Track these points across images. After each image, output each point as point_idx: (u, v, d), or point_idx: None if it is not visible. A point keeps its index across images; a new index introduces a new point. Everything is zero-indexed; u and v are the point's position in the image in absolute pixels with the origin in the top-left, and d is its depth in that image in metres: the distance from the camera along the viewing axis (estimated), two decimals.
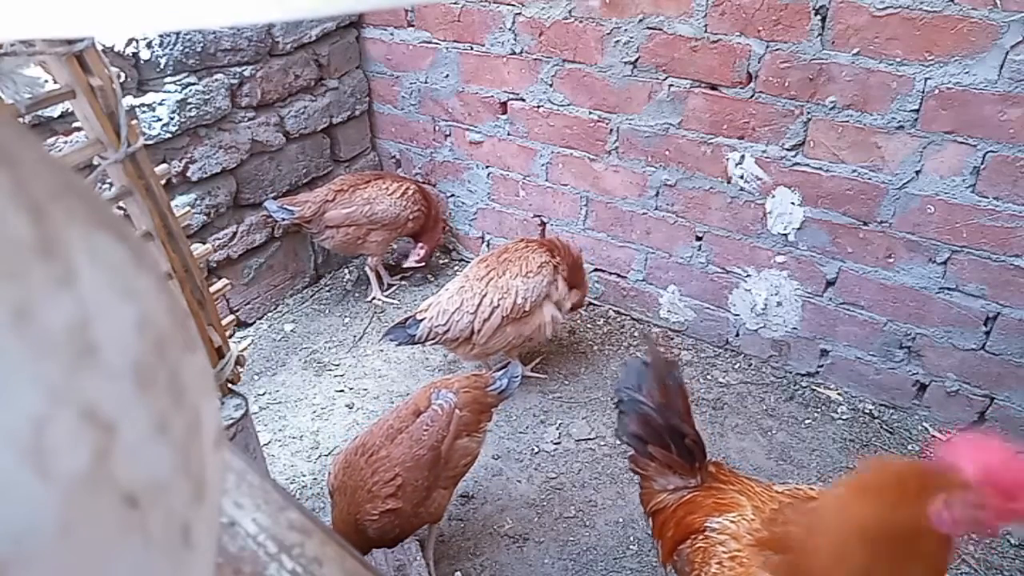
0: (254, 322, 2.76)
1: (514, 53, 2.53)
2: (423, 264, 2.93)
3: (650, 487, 1.56)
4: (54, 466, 0.18)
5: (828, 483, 2.05)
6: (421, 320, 2.20)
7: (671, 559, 1.50)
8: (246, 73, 2.46)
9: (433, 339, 2.21)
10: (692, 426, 1.52)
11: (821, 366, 2.40)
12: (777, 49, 2.04)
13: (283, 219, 2.61)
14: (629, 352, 2.58)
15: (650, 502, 1.55)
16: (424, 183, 2.93)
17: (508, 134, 2.71)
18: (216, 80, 2.37)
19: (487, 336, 2.20)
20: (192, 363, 0.25)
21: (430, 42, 2.72)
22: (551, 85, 2.51)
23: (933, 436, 2.20)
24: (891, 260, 2.12)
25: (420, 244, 2.88)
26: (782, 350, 2.46)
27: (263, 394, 2.43)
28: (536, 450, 2.21)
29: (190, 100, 2.28)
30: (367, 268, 2.89)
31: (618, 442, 2.19)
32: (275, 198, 2.69)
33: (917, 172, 1.98)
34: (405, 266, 2.92)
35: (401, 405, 1.80)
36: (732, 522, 1.32)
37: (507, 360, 2.45)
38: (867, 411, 2.30)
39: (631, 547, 1.91)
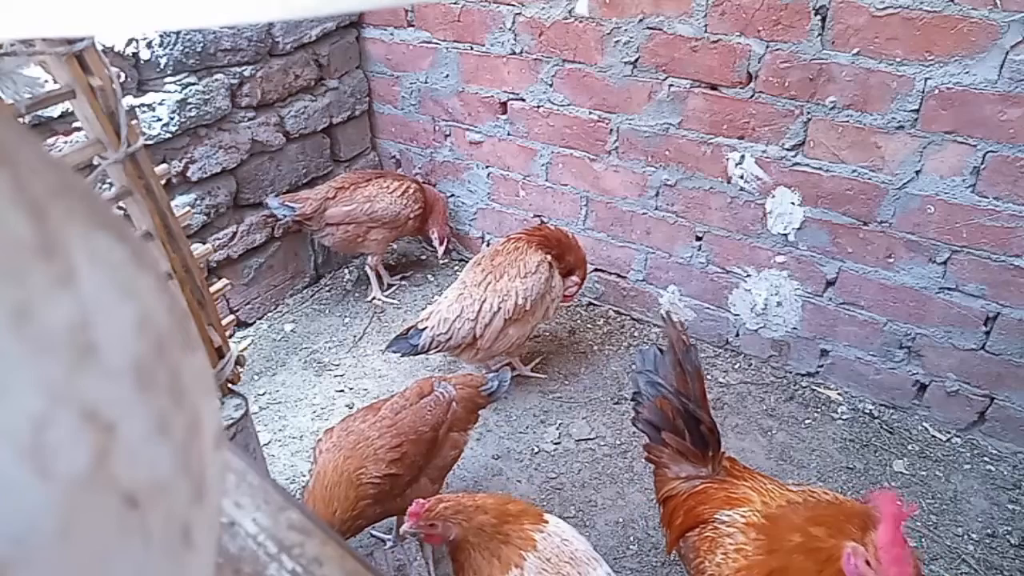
0: (254, 322, 2.76)
1: (514, 53, 2.53)
2: (449, 246, 2.90)
3: (663, 474, 1.59)
4: (54, 466, 0.18)
5: (828, 483, 2.06)
6: (423, 330, 2.21)
7: (677, 546, 1.53)
8: (246, 73, 2.46)
9: (436, 348, 2.22)
10: (708, 412, 1.55)
11: (821, 366, 2.40)
12: (777, 49, 2.04)
13: (284, 216, 2.60)
14: (629, 352, 2.57)
15: (662, 489, 1.59)
16: (424, 183, 2.93)
17: (508, 134, 2.71)
18: (216, 80, 2.37)
19: (491, 340, 2.22)
20: (192, 363, 0.25)
21: (430, 42, 2.72)
22: (551, 85, 2.51)
23: (933, 437, 2.20)
24: (891, 260, 2.12)
25: (431, 231, 2.86)
26: (782, 350, 2.46)
27: (263, 394, 2.43)
28: (536, 450, 2.21)
29: (190, 100, 2.28)
30: (367, 268, 2.89)
31: (619, 441, 2.21)
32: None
33: (917, 172, 1.98)
34: (440, 253, 2.90)
35: (405, 390, 1.88)
36: (742, 517, 1.36)
37: (507, 362, 2.46)
38: (867, 411, 2.30)
39: (631, 547, 1.91)
